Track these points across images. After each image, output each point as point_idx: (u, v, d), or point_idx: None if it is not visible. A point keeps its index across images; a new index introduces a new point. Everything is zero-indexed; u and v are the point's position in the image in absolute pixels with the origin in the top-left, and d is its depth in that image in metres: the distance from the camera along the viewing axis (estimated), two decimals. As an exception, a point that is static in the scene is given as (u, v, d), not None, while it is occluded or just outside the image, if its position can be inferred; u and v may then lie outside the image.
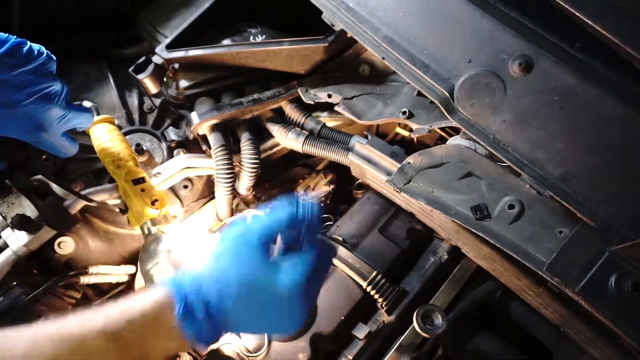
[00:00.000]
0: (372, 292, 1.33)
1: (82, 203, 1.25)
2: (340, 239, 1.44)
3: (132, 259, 1.55)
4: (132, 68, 1.43)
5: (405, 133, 1.74)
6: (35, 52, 1.03)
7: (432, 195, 1.15)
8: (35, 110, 1.04)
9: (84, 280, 1.39)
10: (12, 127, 1.05)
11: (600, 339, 1.16)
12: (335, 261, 1.38)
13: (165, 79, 1.48)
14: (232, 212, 1.58)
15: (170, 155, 1.51)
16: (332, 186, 1.71)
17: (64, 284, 1.35)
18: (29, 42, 1.03)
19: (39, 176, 1.26)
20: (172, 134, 1.53)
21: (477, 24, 1.09)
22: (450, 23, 1.12)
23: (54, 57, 1.08)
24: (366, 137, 1.35)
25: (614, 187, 0.98)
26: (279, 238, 0.79)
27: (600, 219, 0.97)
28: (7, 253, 1.19)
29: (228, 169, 1.39)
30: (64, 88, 1.10)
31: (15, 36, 1.01)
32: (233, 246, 0.76)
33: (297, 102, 1.53)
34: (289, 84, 1.51)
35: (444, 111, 1.12)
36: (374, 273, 1.34)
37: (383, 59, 1.18)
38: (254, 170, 1.45)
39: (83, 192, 1.26)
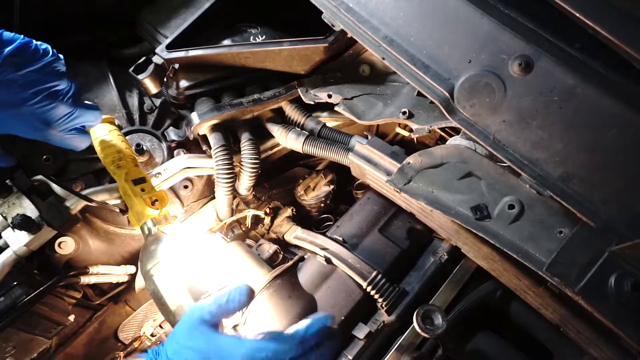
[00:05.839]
0: (372, 292, 1.33)
1: (82, 203, 1.25)
2: (340, 239, 1.44)
3: (132, 259, 1.55)
4: (132, 68, 1.43)
5: (405, 133, 1.74)
6: (41, 51, 1.04)
7: (432, 195, 1.15)
8: (41, 109, 1.05)
9: (84, 280, 1.40)
10: (19, 125, 1.05)
11: (600, 339, 1.16)
12: (335, 261, 1.38)
13: (165, 79, 1.48)
14: (232, 212, 1.58)
15: (171, 156, 1.51)
16: (332, 186, 1.71)
17: (64, 284, 1.36)
18: (35, 42, 1.04)
19: (40, 176, 1.27)
20: (172, 134, 1.54)
21: (477, 24, 1.09)
22: (450, 23, 1.12)
23: (61, 57, 1.09)
24: (366, 137, 1.35)
25: (614, 187, 0.98)
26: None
27: (600, 219, 0.97)
28: (7, 253, 1.19)
29: (228, 169, 1.39)
30: (72, 86, 1.10)
31: (22, 36, 1.02)
32: (193, 327, 0.88)
33: (297, 102, 1.53)
34: (289, 84, 1.52)
35: (444, 111, 1.12)
36: (374, 273, 1.34)
37: (383, 59, 1.18)
38: (254, 170, 1.45)
39: (83, 192, 1.26)
